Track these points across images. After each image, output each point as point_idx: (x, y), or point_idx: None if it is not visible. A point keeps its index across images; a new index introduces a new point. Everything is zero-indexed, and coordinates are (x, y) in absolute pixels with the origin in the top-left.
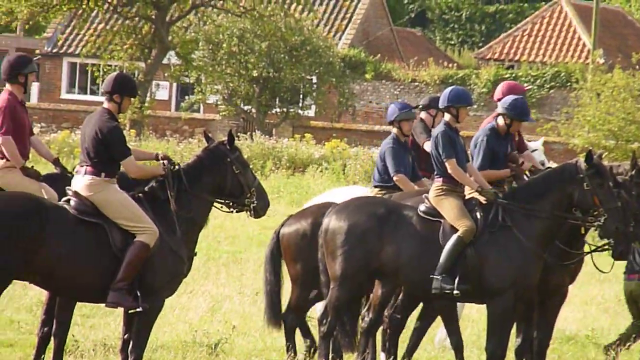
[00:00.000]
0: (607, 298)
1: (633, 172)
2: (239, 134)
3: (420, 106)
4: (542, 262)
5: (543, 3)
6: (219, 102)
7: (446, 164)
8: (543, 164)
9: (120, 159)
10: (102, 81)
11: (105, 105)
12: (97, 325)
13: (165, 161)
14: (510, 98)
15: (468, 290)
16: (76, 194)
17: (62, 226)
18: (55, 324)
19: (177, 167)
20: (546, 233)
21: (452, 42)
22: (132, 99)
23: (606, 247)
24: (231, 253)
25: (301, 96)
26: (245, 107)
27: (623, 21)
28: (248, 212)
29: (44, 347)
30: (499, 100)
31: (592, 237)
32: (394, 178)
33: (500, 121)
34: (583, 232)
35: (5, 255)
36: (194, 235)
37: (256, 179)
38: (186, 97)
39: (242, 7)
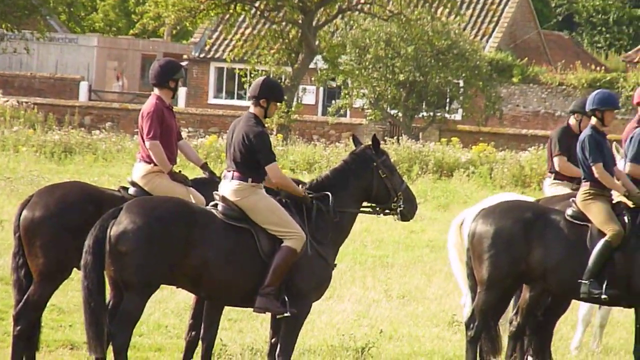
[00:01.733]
0: None
1: None
2: (385, 138)
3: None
4: None
5: None
6: (365, 106)
7: (593, 168)
8: None
9: (265, 164)
10: (249, 86)
11: (252, 110)
12: (245, 329)
13: (306, 190)
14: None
15: (616, 295)
16: (224, 198)
17: (210, 231)
18: (204, 328)
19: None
20: None
21: (600, 45)
22: (279, 104)
23: None
24: (377, 257)
25: (448, 100)
26: (392, 111)
27: None
28: (395, 216)
29: (191, 351)
30: (638, 104)
31: None
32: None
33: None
34: None
35: (155, 260)
36: (341, 240)
37: (404, 182)
38: (333, 102)
39: (388, 11)
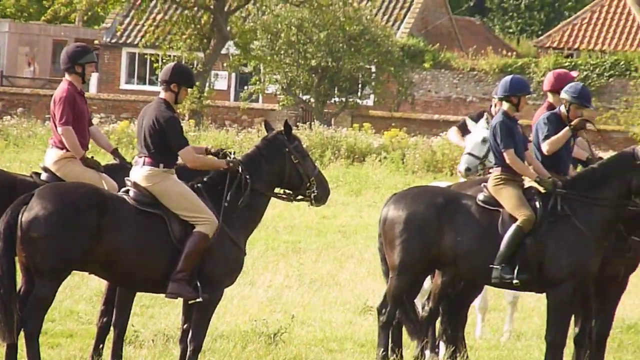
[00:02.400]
0: None
1: None
2: (297, 123)
3: None
4: (602, 252)
5: None
6: (277, 92)
7: (504, 154)
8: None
9: (177, 149)
10: (161, 71)
11: (162, 95)
12: (157, 315)
13: (228, 157)
14: (575, 84)
15: (528, 280)
16: (135, 184)
17: (122, 217)
18: (115, 314)
19: (234, 158)
20: (606, 221)
21: (511, 31)
22: (189, 89)
23: None
24: (290, 243)
25: (360, 85)
26: (304, 97)
27: None
28: (308, 202)
29: (103, 337)
30: (549, 90)
31: None
32: None
33: (563, 109)
34: None
35: (65, 246)
36: (253, 226)
37: (316, 167)
38: (245, 87)
39: None
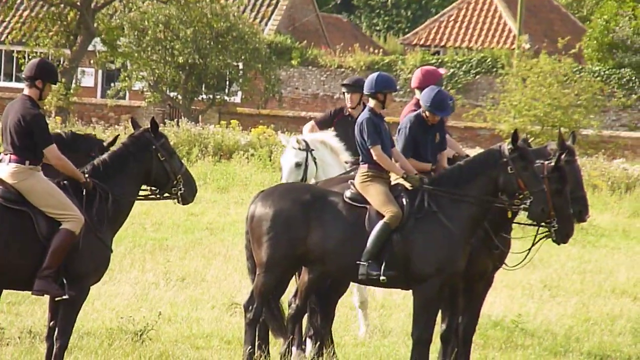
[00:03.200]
0: (533, 283)
1: (562, 151)
2: (165, 120)
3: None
4: (469, 248)
5: None
6: (144, 89)
7: (371, 150)
8: None
9: (42, 146)
10: None
11: (26, 91)
12: (23, 312)
13: (89, 178)
14: (429, 91)
15: (394, 277)
16: (1, 181)
17: None
18: None
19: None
20: (473, 218)
21: (378, 28)
22: (54, 85)
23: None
24: (157, 240)
25: (227, 83)
26: (172, 94)
27: (548, 6)
28: (175, 199)
29: None
30: (417, 87)
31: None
32: None
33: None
34: (510, 216)
35: None
36: (120, 223)
37: (183, 165)
38: (112, 84)
39: None
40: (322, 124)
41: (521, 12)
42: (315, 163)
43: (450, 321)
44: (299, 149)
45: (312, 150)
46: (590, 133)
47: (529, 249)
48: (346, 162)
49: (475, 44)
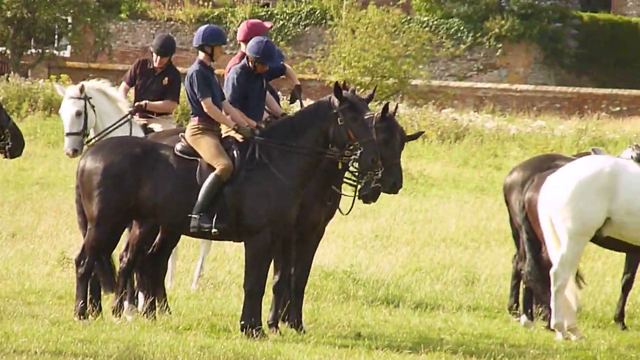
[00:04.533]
0: (364, 234)
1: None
2: None
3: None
4: (300, 199)
5: None
6: None
7: (202, 103)
8: None
9: None
10: None
11: None
12: None
13: None
14: (255, 41)
15: (226, 229)
16: None
17: None
18: None
19: None
20: (304, 170)
21: None
22: None
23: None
24: None
25: (56, 37)
26: (0, 49)
27: None
28: (2, 153)
29: None
30: (243, 40)
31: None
32: None
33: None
34: (340, 167)
35: None
36: None
37: (10, 119)
38: None
39: None
40: (131, 81)
41: None
42: (94, 111)
43: (283, 272)
44: (77, 98)
45: (90, 98)
46: (420, 83)
47: (354, 197)
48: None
49: None
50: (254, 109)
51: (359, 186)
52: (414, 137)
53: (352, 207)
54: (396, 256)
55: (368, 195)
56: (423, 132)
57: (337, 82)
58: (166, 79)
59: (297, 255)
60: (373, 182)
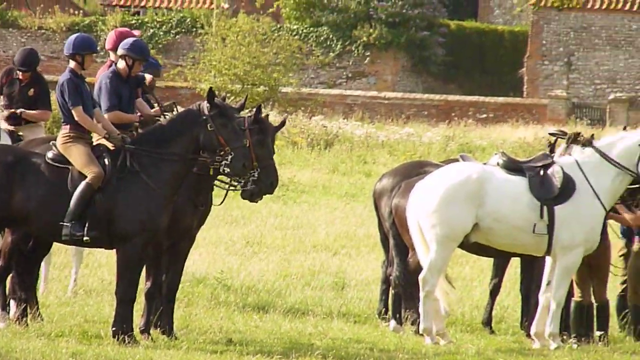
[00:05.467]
0: (236, 240)
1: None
2: None
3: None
4: (171, 206)
5: None
6: None
7: (73, 111)
8: None
9: None
10: None
11: None
12: None
13: None
14: (130, 40)
15: (98, 236)
16: None
17: None
18: None
19: None
20: (175, 176)
21: None
22: None
23: (235, 186)
24: None
25: None
26: None
27: None
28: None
29: None
30: (111, 49)
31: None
32: None
33: (121, 64)
34: (212, 173)
35: None
36: None
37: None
38: None
39: None
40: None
41: None
42: None
43: (155, 279)
44: None
45: None
46: (290, 91)
47: (226, 192)
48: None
49: (175, 4)
50: (127, 111)
51: (238, 186)
52: (279, 126)
53: (224, 199)
54: (267, 262)
55: (253, 193)
56: (285, 119)
57: (211, 87)
58: (32, 90)
59: (169, 261)
60: (249, 184)
